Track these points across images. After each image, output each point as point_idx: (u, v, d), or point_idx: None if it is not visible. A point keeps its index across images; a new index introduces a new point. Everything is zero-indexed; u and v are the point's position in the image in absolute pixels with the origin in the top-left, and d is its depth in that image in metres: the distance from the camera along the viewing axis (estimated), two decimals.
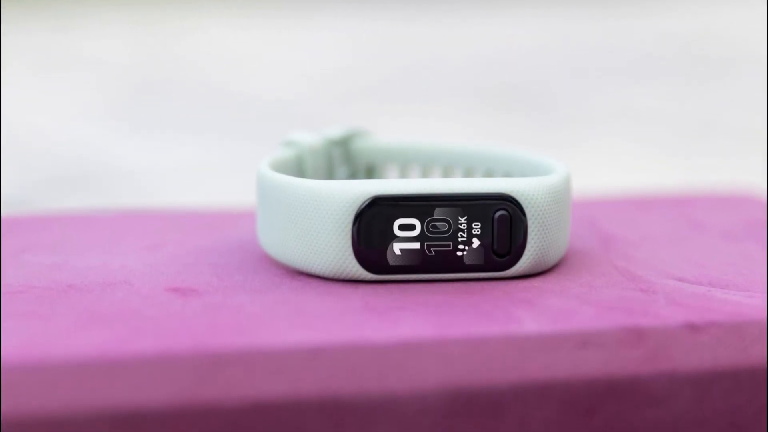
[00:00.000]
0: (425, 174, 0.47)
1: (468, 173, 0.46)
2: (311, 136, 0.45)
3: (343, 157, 0.47)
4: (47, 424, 0.31)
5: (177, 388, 0.32)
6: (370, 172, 0.47)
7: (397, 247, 0.37)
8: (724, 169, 1.33)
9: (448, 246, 0.37)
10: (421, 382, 0.33)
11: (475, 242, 0.37)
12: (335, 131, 0.46)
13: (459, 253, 0.37)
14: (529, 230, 0.38)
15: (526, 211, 0.38)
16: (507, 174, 0.45)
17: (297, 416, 0.32)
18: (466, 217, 0.37)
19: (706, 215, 0.49)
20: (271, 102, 1.82)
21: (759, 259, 0.42)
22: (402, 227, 0.37)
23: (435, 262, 0.37)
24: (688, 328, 0.35)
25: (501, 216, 0.37)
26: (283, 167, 0.43)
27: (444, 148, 0.47)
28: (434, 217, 0.37)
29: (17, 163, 1.32)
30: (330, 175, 0.46)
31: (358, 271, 0.37)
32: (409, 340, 0.33)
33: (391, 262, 0.37)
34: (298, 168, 0.45)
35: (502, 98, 1.89)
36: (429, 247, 0.37)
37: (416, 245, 0.37)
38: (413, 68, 2.31)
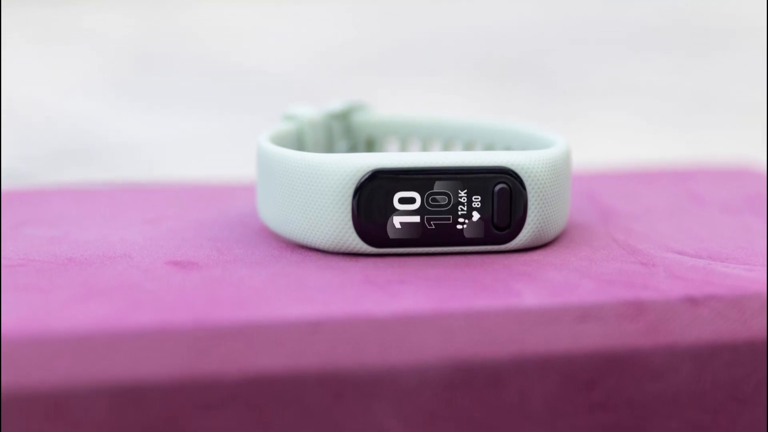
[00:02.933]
0: (425, 147, 0.47)
1: (468, 147, 0.46)
2: (311, 110, 0.45)
3: (343, 131, 0.47)
4: (47, 397, 0.31)
5: (177, 362, 0.32)
6: (371, 146, 0.47)
7: (397, 221, 0.37)
8: (724, 142, 1.33)
9: (448, 219, 0.37)
10: (421, 355, 0.33)
11: (475, 215, 0.37)
12: (335, 105, 0.46)
13: (459, 227, 0.37)
14: (529, 204, 0.38)
15: (526, 184, 0.38)
16: (507, 147, 0.45)
17: (297, 389, 0.32)
18: (466, 191, 0.37)
19: (706, 189, 0.49)
20: (271, 75, 1.82)
21: (759, 233, 0.42)
22: (402, 200, 0.37)
23: (435, 235, 0.37)
24: (688, 302, 0.35)
25: (501, 189, 0.37)
26: (283, 140, 0.43)
27: (444, 121, 0.47)
28: (434, 191, 0.37)
29: (17, 137, 1.32)
30: (330, 148, 0.46)
31: (358, 244, 0.37)
32: (409, 314, 0.33)
33: (391, 235, 0.37)
34: (298, 141, 0.45)
35: (502, 71, 1.88)
36: (429, 220, 0.37)
37: (416, 218, 0.37)
38: (413, 40, 2.31)
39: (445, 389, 0.33)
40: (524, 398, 0.34)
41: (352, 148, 0.47)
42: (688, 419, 0.35)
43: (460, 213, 0.37)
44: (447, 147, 0.47)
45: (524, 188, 0.38)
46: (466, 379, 0.33)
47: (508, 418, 0.34)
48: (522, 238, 0.38)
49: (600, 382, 0.34)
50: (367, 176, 0.37)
